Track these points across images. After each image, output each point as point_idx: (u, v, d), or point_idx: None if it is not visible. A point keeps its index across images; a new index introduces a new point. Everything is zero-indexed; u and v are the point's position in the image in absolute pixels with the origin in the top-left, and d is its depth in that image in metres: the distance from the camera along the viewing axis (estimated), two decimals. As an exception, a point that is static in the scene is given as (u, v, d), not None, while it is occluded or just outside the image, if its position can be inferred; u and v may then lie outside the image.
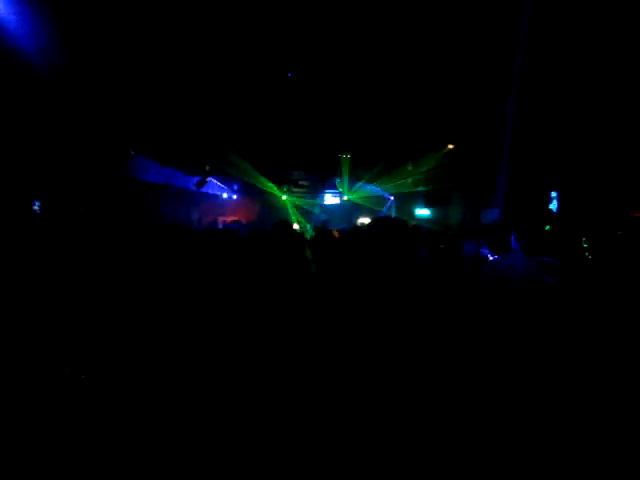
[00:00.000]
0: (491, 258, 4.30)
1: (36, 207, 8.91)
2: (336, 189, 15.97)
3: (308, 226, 13.53)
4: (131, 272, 2.66)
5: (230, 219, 13.69)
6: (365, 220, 14.87)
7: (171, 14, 8.03)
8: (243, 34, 8.90)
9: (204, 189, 14.38)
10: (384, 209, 15.67)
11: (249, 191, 15.56)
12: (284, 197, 15.82)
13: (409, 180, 14.34)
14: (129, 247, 2.98)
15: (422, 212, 14.28)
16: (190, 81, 10.10)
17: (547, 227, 7.24)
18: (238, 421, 1.88)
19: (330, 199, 16.31)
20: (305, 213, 15.88)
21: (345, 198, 15.99)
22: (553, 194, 9.23)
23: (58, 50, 7.64)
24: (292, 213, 15.58)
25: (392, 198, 15.72)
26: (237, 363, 2.06)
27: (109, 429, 1.87)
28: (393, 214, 15.36)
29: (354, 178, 15.33)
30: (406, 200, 15.01)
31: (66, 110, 8.61)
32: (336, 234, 4.73)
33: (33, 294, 2.50)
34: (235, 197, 16.06)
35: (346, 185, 15.50)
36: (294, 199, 15.96)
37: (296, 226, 13.47)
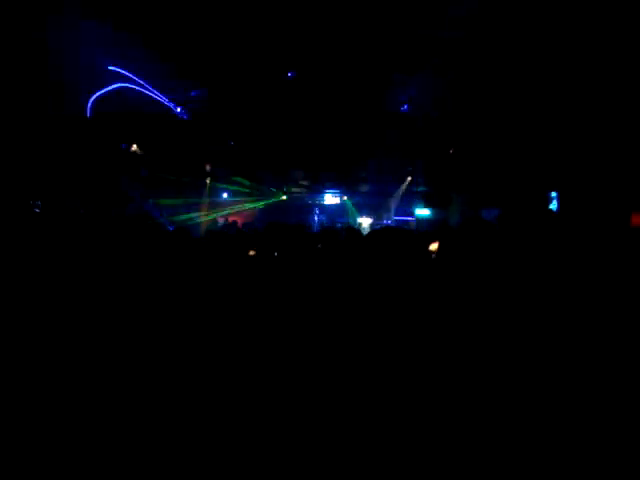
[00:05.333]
0: None
1: (36, 207, 8.92)
2: (336, 189, 16.01)
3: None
4: (129, 271, 2.67)
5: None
6: (365, 220, 14.87)
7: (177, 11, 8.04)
8: (246, 33, 8.91)
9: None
10: None
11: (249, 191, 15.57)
12: (284, 197, 15.83)
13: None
14: (126, 247, 2.98)
15: (422, 212, 14.28)
16: (190, 80, 10.11)
17: None
18: (237, 421, 1.88)
19: (330, 199, 16.33)
20: (305, 213, 15.91)
21: (345, 198, 16.01)
22: (553, 194, 9.24)
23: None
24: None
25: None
26: (236, 361, 2.06)
27: (108, 429, 1.88)
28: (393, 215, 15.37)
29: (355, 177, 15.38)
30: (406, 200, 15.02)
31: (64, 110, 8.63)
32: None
33: (33, 293, 2.50)
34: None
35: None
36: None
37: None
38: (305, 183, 15.91)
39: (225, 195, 15.92)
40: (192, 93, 10.86)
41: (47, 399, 1.97)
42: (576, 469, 1.61)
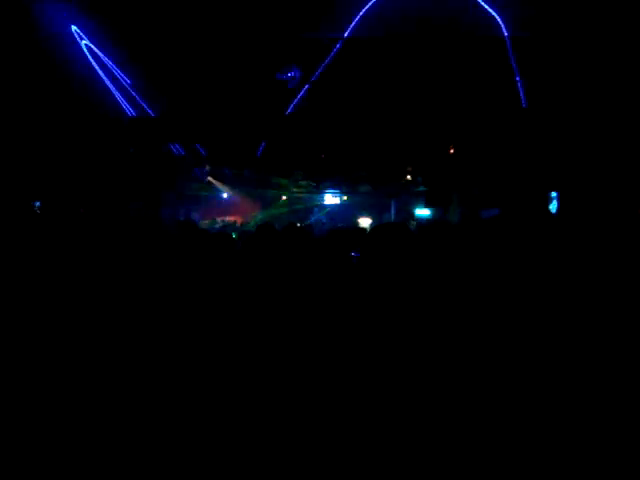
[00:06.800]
0: None
1: (36, 207, 8.90)
2: (336, 189, 15.98)
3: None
4: (131, 271, 2.66)
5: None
6: (366, 220, 14.86)
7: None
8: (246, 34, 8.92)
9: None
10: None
11: (249, 191, 15.54)
12: (284, 197, 15.82)
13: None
14: (127, 247, 2.98)
15: (422, 212, 14.26)
16: (191, 80, 10.10)
17: None
18: (238, 421, 1.87)
19: (330, 199, 16.31)
20: (305, 213, 15.91)
21: (345, 198, 15.99)
22: (553, 194, 9.23)
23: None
24: None
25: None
26: (237, 361, 2.06)
27: (108, 428, 1.87)
28: (392, 215, 15.36)
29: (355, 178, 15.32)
30: (406, 200, 15.00)
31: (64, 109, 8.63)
32: None
33: (33, 294, 2.49)
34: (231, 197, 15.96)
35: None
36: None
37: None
38: (305, 183, 15.88)
39: (225, 195, 15.89)
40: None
41: (47, 398, 1.96)
42: (575, 467, 1.60)
